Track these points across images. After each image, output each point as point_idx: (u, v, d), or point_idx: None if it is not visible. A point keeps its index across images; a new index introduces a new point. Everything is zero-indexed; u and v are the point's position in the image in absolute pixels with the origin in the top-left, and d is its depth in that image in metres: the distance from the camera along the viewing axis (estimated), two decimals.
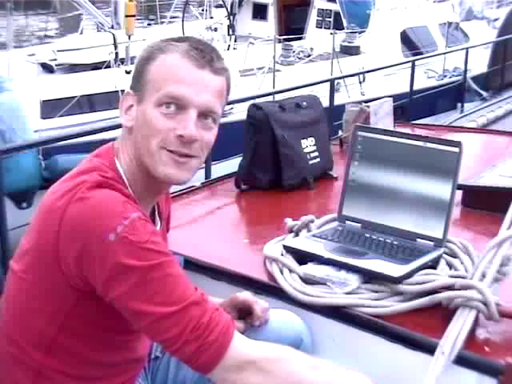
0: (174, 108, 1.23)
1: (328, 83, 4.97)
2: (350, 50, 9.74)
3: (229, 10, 10.57)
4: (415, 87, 6.88)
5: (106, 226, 1.14)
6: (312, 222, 1.88)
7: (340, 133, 3.11)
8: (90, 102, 7.23)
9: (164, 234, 1.44)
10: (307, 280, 1.63)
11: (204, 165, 3.82)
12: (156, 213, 1.40)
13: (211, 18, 11.02)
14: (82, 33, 10.08)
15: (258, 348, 1.21)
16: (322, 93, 4.26)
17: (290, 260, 1.70)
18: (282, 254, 1.74)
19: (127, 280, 1.14)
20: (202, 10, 11.51)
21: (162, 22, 11.01)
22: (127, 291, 1.14)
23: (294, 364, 1.20)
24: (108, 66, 7.97)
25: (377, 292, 1.57)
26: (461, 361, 1.36)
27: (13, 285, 1.29)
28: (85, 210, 1.16)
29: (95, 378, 1.30)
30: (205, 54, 1.24)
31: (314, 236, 1.81)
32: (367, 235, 1.78)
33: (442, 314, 1.47)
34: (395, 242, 1.74)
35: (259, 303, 1.49)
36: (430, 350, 1.38)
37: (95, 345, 1.26)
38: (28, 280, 1.25)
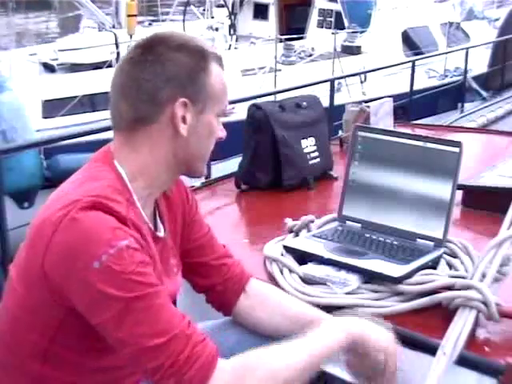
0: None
1: (328, 83, 4.96)
2: (351, 50, 9.74)
3: (230, 9, 10.58)
4: (416, 87, 6.88)
5: (92, 253, 1.12)
6: (312, 222, 1.89)
7: (340, 133, 3.11)
8: (91, 102, 7.24)
9: (174, 235, 1.43)
10: (307, 280, 1.63)
11: None
12: (157, 216, 1.39)
13: (212, 17, 11.03)
14: (83, 32, 10.10)
15: (238, 377, 1.16)
16: (323, 93, 4.26)
17: (290, 260, 1.71)
18: (282, 254, 1.74)
19: (109, 309, 1.13)
20: (204, 10, 11.52)
21: (164, 20, 11.02)
22: (109, 320, 1.13)
23: (267, 367, 1.17)
24: (109, 66, 7.97)
25: (377, 292, 1.57)
26: (461, 361, 1.36)
27: (9, 293, 1.28)
28: (73, 234, 1.14)
29: (99, 382, 1.29)
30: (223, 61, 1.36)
31: (314, 236, 1.81)
32: (367, 235, 1.78)
33: (442, 314, 1.47)
34: (395, 242, 1.74)
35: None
36: (430, 350, 1.38)
37: (91, 352, 1.25)
38: (19, 291, 1.24)
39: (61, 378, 1.25)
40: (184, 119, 1.27)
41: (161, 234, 1.38)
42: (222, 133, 1.36)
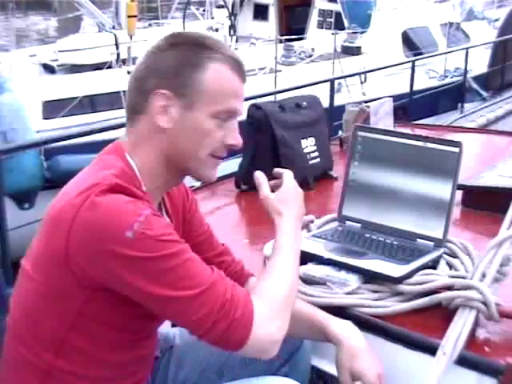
0: (225, 117, 1.31)
1: (328, 83, 4.96)
2: (351, 51, 9.74)
3: (230, 10, 10.57)
4: (416, 87, 6.88)
5: (122, 225, 1.16)
6: (312, 222, 1.88)
7: (340, 133, 3.11)
8: (91, 103, 7.23)
9: (175, 229, 1.43)
10: (307, 280, 1.63)
11: None
12: (163, 210, 1.41)
13: (212, 18, 11.03)
14: (83, 33, 10.10)
15: (271, 303, 1.26)
16: (323, 93, 4.26)
17: None
18: None
19: (150, 271, 1.17)
20: (203, 11, 11.53)
21: (163, 23, 11.03)
22: (150, 280, 1.17)
23: (291, 293, 1.30)
24: (110, 67, 7.97)
25: (377, 292, 1.57)
26: (461, 361, 1.36)
27: (23, 284, 1.30)
28: (97, 214, 1.17)
29: (106, 379, 1.30)
30: (243, 68, 1.34)
31: (314, 236, 1.81)
32: (367, 235, 1.78)
33: (442, 314, 1.47)
34: (395, 242, 1.74)
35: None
36: (430, 350, 1.39)
37: (107, 345, 1.27)
38: (37, 280, 1.26)
39: (72, 371, 1.26)
40: (165, 111, 1.28)
41: None
42: (232, 140, 1.33)
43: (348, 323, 1.44)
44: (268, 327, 1.23)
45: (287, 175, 1.46)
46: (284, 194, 1.43)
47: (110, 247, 1.16)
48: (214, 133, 1.30)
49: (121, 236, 1.15)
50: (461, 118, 8.61)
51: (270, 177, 2.56)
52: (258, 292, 1.27)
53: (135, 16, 8.27)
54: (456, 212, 2.13)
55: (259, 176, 1.45)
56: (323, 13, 10.99)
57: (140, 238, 1.16)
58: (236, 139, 1.34)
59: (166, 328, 1.53)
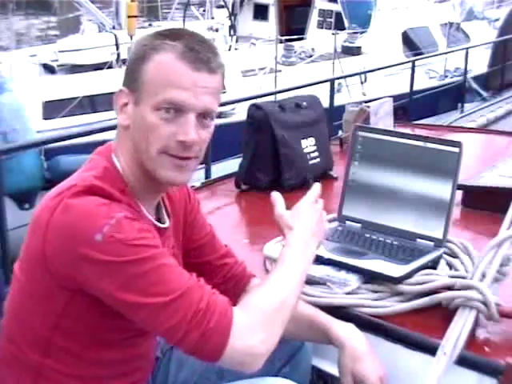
0: (173, 112, 1.21)
1: (328, 83, 4.97)
2: (351, 51, 9.75)
3: (230, 10, 10.58)
4: (416, 87, 6.89)
5: (91, 228, 1.14)
6: None
7: (340, 133, 3.11)
8: (91, 103, 7.24)
9: (176, 231, 1.43)
10: (307, 280, 1.62)
11: (204, 165, 3.82)
12: (163, 210, 1.39)
13: (212, 18, 11.04)
14: (83, 33, 10.10)
15: (254, 315, 1.21)
16: (324, 93, 4.26)
17: None
18: None
19: (119, 276, 1.14)
20: (204, 11, 11.53)
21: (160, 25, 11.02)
22: (121, 286, 1.14)
23: (283, 307, 1.24)
24: (110, 67, 7.98)
25: (377, 292, 1.57)
26: (461, 361, 1.35)
27: (14, 286, 1.30)
28: (69, 217, 1.16)
29: (102, 377, 1.29)
30: (201, 56, 1.21)
31: None
32: (367, 235, 1.78)
33: (442, 314, 1.47)
34: (395, 242, 1.74)
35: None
36: (430, 350, 1.38)
37: (93, 344, 1.26)
38: (22, 281, 1.26)
39: (61, 370, 1.26)
40: (124, 108, 1.26)
41: (164, 225, 1.37)
42: (182, 136, 1.21)
43: (350, 326, 1.43)
44: (247, 339, 1.17)
45: (308, 194, 1.43)
46: (297, 210, 1.40)
47: (80, 250, 1.14)
48: (158, 127, 1.21)
49: (90, 239, 1.13)
50: (461, 117, 8.61)
51: (270, 176, 2.56)
52: (244, 302, 1.23)
53: (135, 16, 8.28)
54: (456, 212, 2.13)
55: (274, 195, 1.42)
56: (323, 13, 11.01)
57: (109, 242, 1.13)
58: (186, 135, 1.21)
59: None
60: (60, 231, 1.16)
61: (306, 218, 1.38)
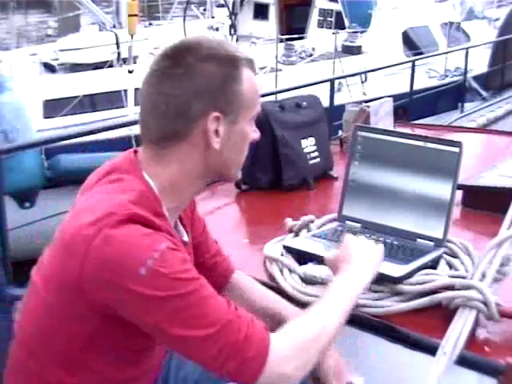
0: None
1: (328, 83, 4.96)
2: (351, 50, 9.75)
3: (230, 9, 10.57)
4: (416, 87, 6.88)
5: (135, 262, 1.13)
6: (312, 222, 1.89)
7: (340, 133, 3.11)
8: (92, 102, 7.24)
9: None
10: (307, 280, 1.63)
11: None
12: (180, 224, 1.39)
13: (213, 17, 11.02)
14: (83, 32, 10.10)
15: (291, 342, 1.22)
16: (324, 93, 4.25)
17: (289, 260, 1.71)
18: (282, 254, 1.74)
19: (162, 310, 1.14)
20: (204, 10, 11.52)
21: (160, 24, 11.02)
22: (163, 320, 1.15)
23: (320, 336, 1.25)
24: (110, 66, 7.97)
25: (377, 292, 1.57)
26: (461, 361, 1.36)
27: (33, 297, 1.28)
28: (111, 249, 1.14)
29: None
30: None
31: (314, 236, 1.81)
32: (367, 235, 1.78)
33: (442, 314, 1.47)
34: (395, 242, 1.74)
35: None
36: (430, 350, 1.38)
37: (119, 362, 1.26)
38: (48, 299, 1.24)
39: None
40: (217, 133, 1.26)
41: (185, 238, 1.39)
42: (255, 134, 1.36)
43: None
44: (283, 366, 1.20)
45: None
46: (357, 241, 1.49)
47: (124, 284, 1.13)
48: (249, 135, 1.34)
49: (134, 273, 1.12)
50: (461, 117, 8.61)
51: (270, 176, 2.56)
52: (283, 329, 1.24)
53: (136, 15, 8.26)
54: (456, 212, 2.12)
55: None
56: (324, 12, 10.99)
57: (153, 276, 1.13)
58: (257, 132, 1.37)
59: None
60: (101, 263, 1.14)
61: (367, 259, 1.44)
